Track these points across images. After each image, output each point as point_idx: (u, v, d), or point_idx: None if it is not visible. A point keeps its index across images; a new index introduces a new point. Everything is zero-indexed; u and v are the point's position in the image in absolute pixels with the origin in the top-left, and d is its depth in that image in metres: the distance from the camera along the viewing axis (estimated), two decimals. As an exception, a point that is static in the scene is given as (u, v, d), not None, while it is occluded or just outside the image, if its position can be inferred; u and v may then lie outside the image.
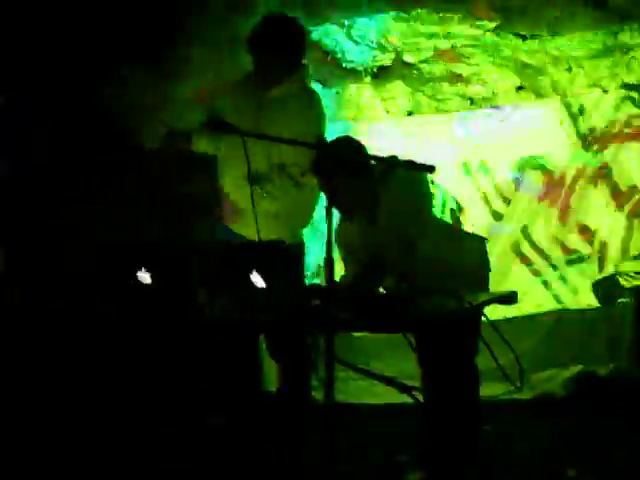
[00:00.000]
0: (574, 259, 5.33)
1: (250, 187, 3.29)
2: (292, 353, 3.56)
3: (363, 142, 3.15)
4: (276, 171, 3.47)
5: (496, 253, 5.11)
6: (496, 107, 5.60)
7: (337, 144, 3.03)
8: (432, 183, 4.85)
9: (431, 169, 2.48)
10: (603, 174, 5.32)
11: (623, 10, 5.13)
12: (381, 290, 3.02)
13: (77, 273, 3.28)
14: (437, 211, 5.14)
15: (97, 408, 3.50)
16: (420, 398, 2.88)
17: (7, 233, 3.85)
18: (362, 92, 5.70)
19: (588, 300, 5.19)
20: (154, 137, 4.66)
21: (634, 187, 5.27)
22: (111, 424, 3.49)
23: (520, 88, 5.63)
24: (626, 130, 5.32)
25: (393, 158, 3.02)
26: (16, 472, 3.22)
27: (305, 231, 3.68)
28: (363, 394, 4.82)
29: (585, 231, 5.33)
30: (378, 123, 5.72)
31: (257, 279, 2.81)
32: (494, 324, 3.03)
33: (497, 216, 5.52)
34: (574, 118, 5.44)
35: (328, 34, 5.34)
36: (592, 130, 5.37)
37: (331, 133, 3.69)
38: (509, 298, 3.04)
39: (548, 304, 5.29)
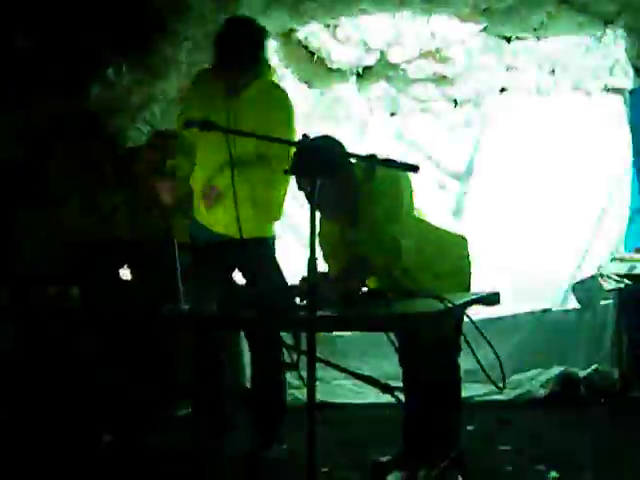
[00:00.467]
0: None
1: (231, 171, 3.43)
2: (263, 350, 3.59)
3: (345, 142, 3.15)
4: (256, 159, 3.56)
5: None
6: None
7: (317, 143, 3.02)
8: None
9: (414, 168, 2.46)
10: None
11: (607, 15, 5.17)
12: (364, 290, 3.01)
13: (59, 270, 3.27)
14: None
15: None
16: (402, 398, 2.88)
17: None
18: (347, 92, 5.70)
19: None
20: (139, 137, 4.67)
21: None
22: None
23: (504, 90, 5.66)
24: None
25: (373, 157, 3.02)
26: None
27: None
28: (345, 394, 4.83)
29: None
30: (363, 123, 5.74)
31: (237, 276, 2.81)
32: (476, 324, 3.03)
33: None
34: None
35: (313, 34, 5.34)
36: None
37: (315, 133, 3.70)
38: (492, 299, 3.04)
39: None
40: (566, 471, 3.40)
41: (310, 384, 2.24)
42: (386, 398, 2.63)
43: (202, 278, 3.20)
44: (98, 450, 3.61)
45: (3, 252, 3.81)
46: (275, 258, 3.73)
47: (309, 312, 2.26)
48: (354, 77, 5.61)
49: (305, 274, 2.33)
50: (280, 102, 3.65)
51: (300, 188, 3.03)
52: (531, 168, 5.63)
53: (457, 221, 5.62)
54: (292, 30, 5.33)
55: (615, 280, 4.97)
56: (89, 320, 2.88)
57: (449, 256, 3.26)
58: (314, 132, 3.31)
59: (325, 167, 2.83)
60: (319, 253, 2.83)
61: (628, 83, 5.42)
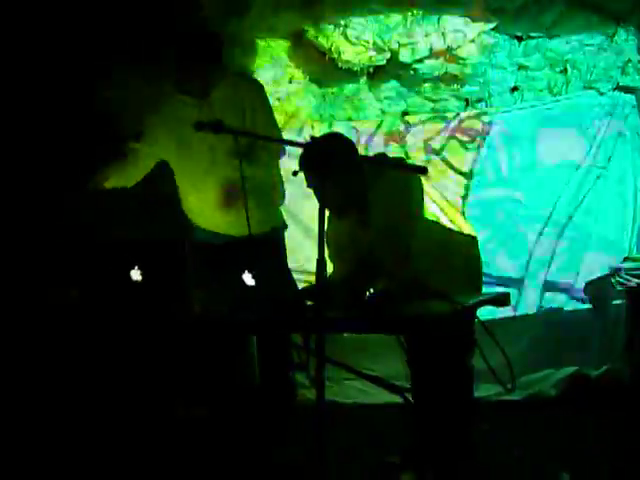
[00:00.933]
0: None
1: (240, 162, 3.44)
2: (275, 351, 3.60)
3: (355, 142, 3.15)
4: (257, 147, 3.62)
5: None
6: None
7: (327, 140, 3.01)
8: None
9: (423, 170, 2.47)
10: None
11: (619, 13, 5.14)
12: (372, 291, 3.01)
13: (67, 269, 3.29)
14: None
15: (82, 403, 3.51)
16: (410, 399, 2.88)
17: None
18: (358, 92, 5.70)
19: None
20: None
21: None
22: (97, 419, 3.51)
23: (515, 89, 5.65)
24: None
25: (382, 156, 3.01)
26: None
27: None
28: (354, 394, 4.83)
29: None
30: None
31: (247, 277, 2.82)
32: (485, 325, 3.03)
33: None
34: None
35: (324, 34, 5.34)
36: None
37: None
38: (502, 299, 3.04)
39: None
40: (578, 472, 3.39)
41: (319, 385, 2.24)
42: (396, 399, 2.64)
43: (212, 281, 3.21)
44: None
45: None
46: (283, 257, 3.74)
47: (318, 314, 2.27)
48: (365, 77, 5.62)
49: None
50: (251, 90, 3.72)
51: (309, 186, 3.03)
52: (540, 167, 5.61)
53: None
54: (302, 30, 5.33)
55: (627, 280, 4.95)
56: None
57: (458, 257, 3.24)
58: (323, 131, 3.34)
59: (335, 163, 2.84)
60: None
61: (640, 82, 5.40)
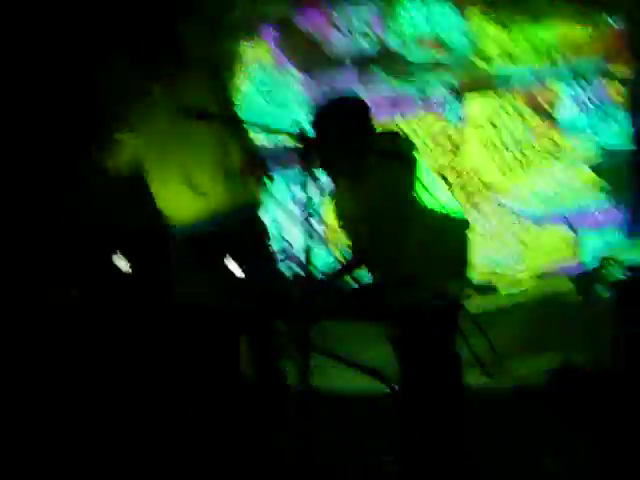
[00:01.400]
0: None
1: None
2: (262, 339, 3.58)
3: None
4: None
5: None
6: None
7: (339, 105, 2.98)
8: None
9: (408, 161, 2.46)
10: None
11: (608, 3, 5.14)
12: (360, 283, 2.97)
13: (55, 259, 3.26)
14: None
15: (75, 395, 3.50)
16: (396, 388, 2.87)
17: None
18: (345, 79, 5.68)
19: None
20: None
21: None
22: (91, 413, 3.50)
23: (502, 77, 5.63)
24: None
25: (395, 136, 2.98)
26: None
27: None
28: (341, 382, 4.81)
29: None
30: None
31: (234, 267, 2.80)
32: (472, 315, 3.02)
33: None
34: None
35: (313, 22, 5.31)
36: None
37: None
38: (489, 288, 3.03)
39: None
40: (562, 463, 3.40)
41: (303, 372, 2.23)
42: (383, 387, 2.63)
43: (197, 269, 3.19)
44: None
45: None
46: (267, 244, 3.73)
47: (303, 302, 2.26)
48: (352, 64, 5.59)
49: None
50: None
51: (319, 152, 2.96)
52: (529, 157, 5.61)
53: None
54: (290, 17, 5.30)
55: (617, 273, 4.96)
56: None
57: (448, 243, 3.18)
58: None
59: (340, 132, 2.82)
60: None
61: (629, 72, 5.40)
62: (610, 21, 5.24)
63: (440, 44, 5.39)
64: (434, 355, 3.05)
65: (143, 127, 3.68)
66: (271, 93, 5.56)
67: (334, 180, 3.05)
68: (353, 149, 2.95)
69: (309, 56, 5.53)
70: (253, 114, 5.07)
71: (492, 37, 5.41)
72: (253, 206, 3.71)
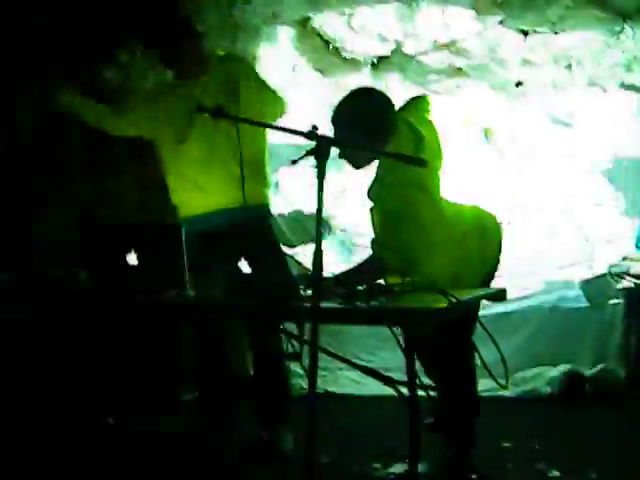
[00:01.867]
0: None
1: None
2: (266, 338, 3.58)
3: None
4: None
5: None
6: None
7: (357, 98, 2.97)
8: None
9: (422, 163, 2.45)
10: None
11: (625, 10, 5.11)
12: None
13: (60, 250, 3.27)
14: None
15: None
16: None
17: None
18: (361, 82, 5.67)
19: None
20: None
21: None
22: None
23: (519, 84, 5.62)
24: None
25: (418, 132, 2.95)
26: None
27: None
28: (350, 384, 4.81)
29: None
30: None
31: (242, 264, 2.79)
32: (481, 321, 3.01)
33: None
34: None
35: (328, 23, 5.31)
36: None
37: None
38: (498, 295, 2.99)
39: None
40: (568, 470, 3.39)
41: (311, 375, 2.22)
42: (390, 391, 2.61)
43: (208, 265, 3.18)
44: (98, 432, 3.61)
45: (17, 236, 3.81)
46: (277, 242, 3.72)
47: (312, 303, 2.24)
48: (368, 67, 5.59)
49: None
50: (242, 71, 3.66)
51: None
52: (542, 163, 5.60)
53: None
54: (307, 18, 5.30)
55: (625, 280, 4.94)
56: (97, 304, 2.84)
57: (466, 248, 3.11)
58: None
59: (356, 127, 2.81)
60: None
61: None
62: (628, 29, 5.20)
63: (458, 50, 5.38)
64: (439, 360, 3.03)
65: (158, 123, 3.67)
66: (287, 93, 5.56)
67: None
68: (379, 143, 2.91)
69: (325, 58, 5.52)
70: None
71: (510, 44, 5.39)
72: (264, 204, 3.70)
